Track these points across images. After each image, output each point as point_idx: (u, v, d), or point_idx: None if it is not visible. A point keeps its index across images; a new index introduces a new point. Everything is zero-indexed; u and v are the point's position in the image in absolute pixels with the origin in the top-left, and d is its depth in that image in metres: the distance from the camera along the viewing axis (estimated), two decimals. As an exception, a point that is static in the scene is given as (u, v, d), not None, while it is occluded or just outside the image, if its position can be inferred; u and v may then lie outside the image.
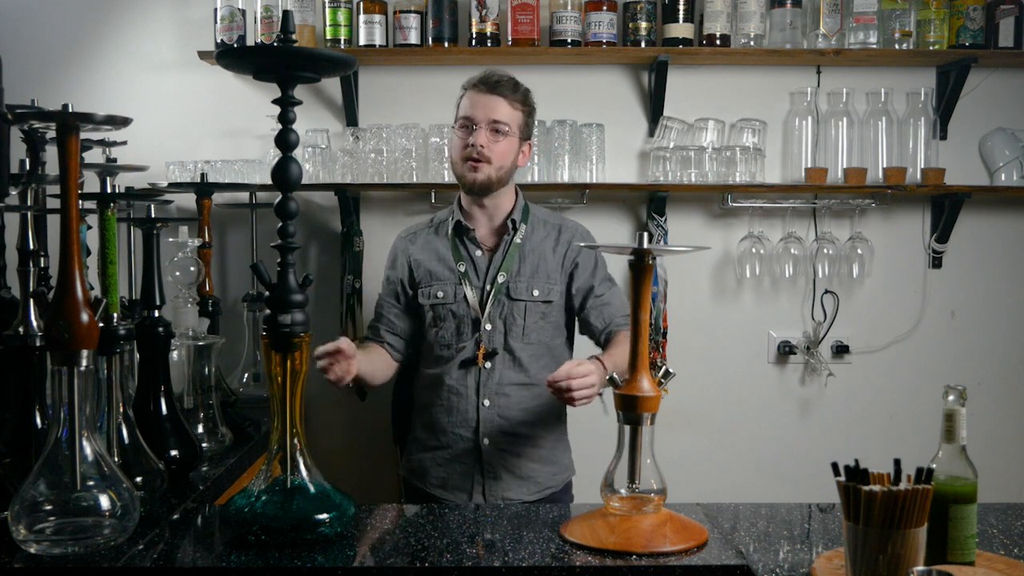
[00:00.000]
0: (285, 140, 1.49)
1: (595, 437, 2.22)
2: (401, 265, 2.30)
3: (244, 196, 2.88)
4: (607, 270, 2.31)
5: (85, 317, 1.39)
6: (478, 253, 2.24)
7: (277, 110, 1.49)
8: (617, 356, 2.06)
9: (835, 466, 1.24)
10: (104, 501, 1.42)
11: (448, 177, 2.86)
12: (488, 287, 2.20)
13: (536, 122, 2.35)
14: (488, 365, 2.17)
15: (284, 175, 1.48)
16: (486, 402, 2.18)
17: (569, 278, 2.25)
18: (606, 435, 1.63)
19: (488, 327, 2.18)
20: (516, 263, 2.21)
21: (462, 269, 2.21)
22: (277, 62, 1.48)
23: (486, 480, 2.18)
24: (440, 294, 2.22)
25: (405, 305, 2.28)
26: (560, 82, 2.68)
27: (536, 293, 2.20)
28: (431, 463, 2.24)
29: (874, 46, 2.87)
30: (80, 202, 1.53)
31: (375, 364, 2.20)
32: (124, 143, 2.38)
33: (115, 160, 2.36)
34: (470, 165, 2.16)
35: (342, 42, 2.86)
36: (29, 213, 1.71)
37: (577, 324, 2.33)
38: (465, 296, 2.20)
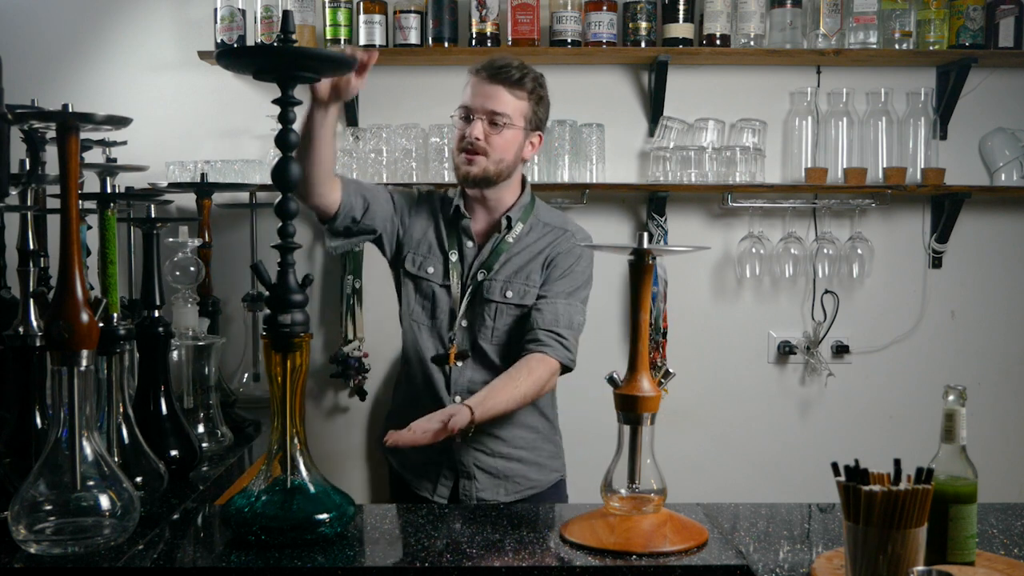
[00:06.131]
0: (285, 140, 1.48)
1: (594, 437, 2.22)
2: (404, 204, 2.17)
3: (244, 196, 2.87)
4: (585, 290, 2.15)
5: (85, 317, 1.39)
6: (468, 245, 2.15)
7: (277, 110, 1.49)
8: (495, 399, 1.93)
9: (835, 466, 1.24)
10: (104, 501, 1.42)
11: (449, 177, 2.86)
12: (468, 282, 2.13)
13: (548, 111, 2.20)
14: (460, 364, 2.11)
15: (284, 175, 1.48)
16: (457, 399, 2.09)
17: (544, 279, 2.13)
18: (605, 435, 1.63)
19: (464, 323, 2.12)
20: (499, 262, 2.12)
21: (453, 259, 2.14)
22: (277, 62, 1.48)
23: (460, 479, 2.12)
24: (431, 270, 2.14)
25: (388, 214, 2.13)
26: (560, 82, 2.66)
27: (509, 295, 2.11)
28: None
29: (874, 46, 2.87)
30: (80, 202, 1.53)
31: (327, 150, 1.93)
32: (124, 143, 2.38)
33: (115, 160, 2.36)
34: (465, 157, 2.07)
35: (342, 42, 2.86)
36: (29, 213, 1.71)
37: None
38: (449, 287, 2.13)
